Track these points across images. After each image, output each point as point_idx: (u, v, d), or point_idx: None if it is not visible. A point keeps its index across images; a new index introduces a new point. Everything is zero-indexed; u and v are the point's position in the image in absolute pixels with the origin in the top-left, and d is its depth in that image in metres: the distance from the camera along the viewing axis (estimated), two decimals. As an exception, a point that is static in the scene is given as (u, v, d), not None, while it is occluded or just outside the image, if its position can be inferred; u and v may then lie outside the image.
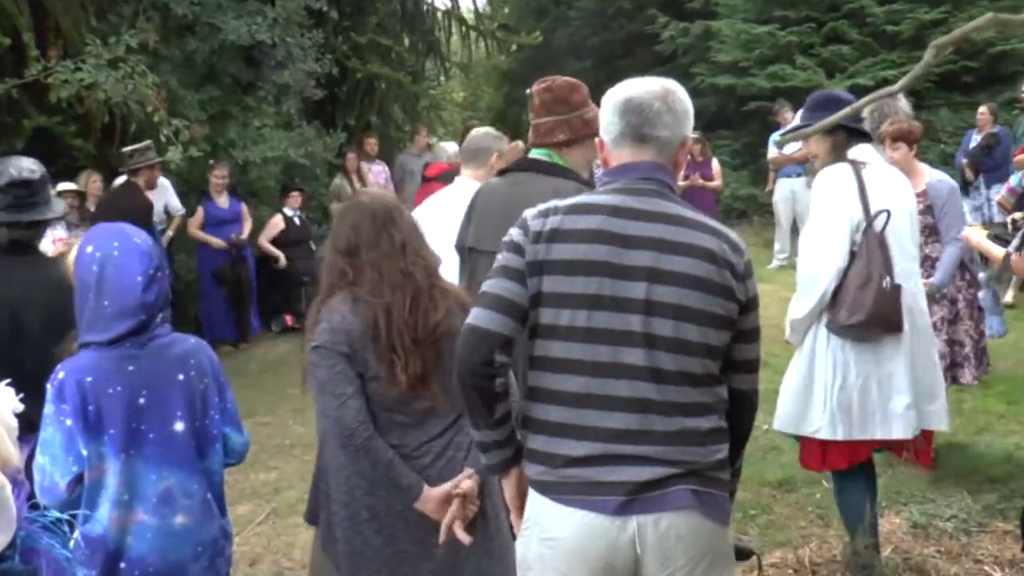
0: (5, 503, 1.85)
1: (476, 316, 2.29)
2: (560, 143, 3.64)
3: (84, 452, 2.66)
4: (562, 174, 3.60)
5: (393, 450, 2.78)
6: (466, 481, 2.85)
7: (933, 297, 4.93)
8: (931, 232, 5.16)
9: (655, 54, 17.45)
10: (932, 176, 5.29)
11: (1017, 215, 6.26)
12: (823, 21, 14.34)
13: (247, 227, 9.98)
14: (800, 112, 4.41)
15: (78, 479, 2.69)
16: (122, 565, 2.70)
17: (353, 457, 2.78)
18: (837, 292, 3.82)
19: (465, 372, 2.29)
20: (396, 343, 2.75)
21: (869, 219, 3.84)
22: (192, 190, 10.25)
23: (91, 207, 8.69)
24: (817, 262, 3.87)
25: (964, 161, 10.69)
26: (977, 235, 4.43)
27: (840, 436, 3.89)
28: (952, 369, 5.34)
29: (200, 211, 9.73)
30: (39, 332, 3.25)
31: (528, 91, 3.75)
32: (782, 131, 4.44)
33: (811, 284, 3.87)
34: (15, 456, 1.94)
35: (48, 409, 2.68)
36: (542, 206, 2.37)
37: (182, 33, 10.04)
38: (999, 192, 9.36)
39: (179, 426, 2.74)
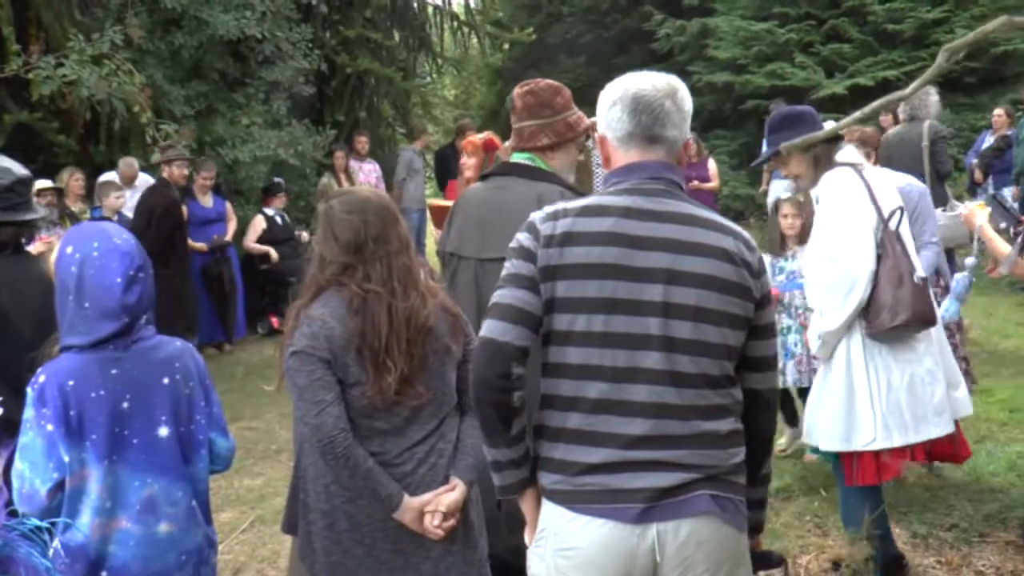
0: None
1: (490, 328, 2.26)
2: (544, 147, 3.65)
3: (66, 458, 2.64)
4: (545, 178, 3.61)
5: (374, 458, 2.77)
6: (448, 494, 2.83)
7: None
8: None
9: (650, 52, 17.46)
10: (900, 181, 5.07)
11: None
12: (823, 19, 14.36)
13: (231, 227, 9.96)
14: (765, 138, 4.37)
15: (59, 486, 2.66)
16: (103, 574, 2.68)
17: (332, 466, 2.76)
18: (870, 296, 3.79)
19: (481, 387, 2.27)
20: (392, 343, 2.74)
21: (885, 219, 3.83)
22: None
23: (72, 206, 8.67)
24: (850, 269, 3.79)
25: (974, 162, 10.75)
26: (981, 216, 4.34)
27: (897, 442, 3.84)
28: None
29: (184, 211, 9.62)
30: (29, 333, 3.24)
31: (509, 96, 3.76)
32: (763, 154, 4.36)
33: (844, 292, 3.79)
34: None
35: (28, 413, 2.65)
36: (549, 208, 2.35)
37: (168, 27, 10.02)
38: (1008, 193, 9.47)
39: (164, 431, 2.73)
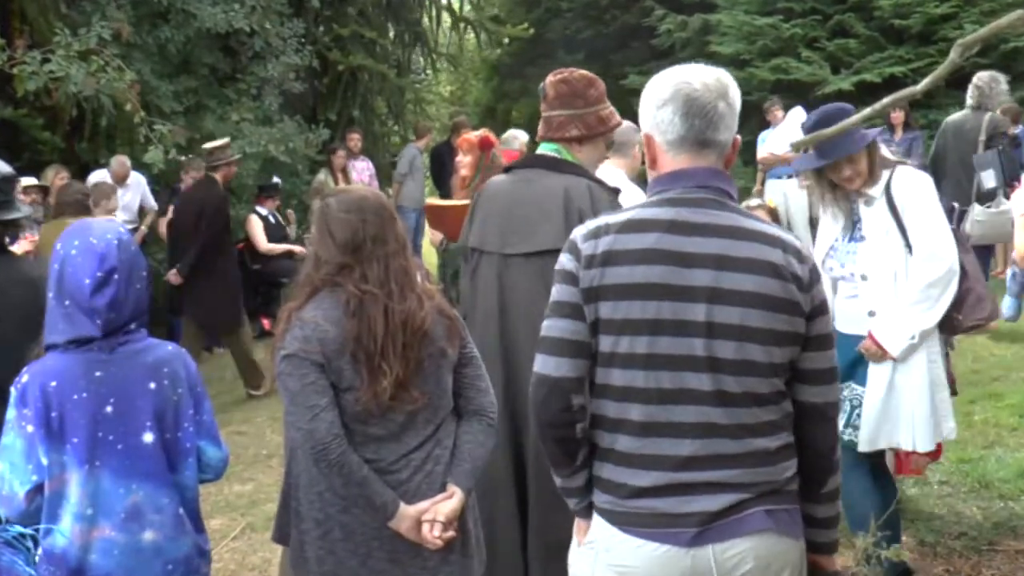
0: None
1: (541, 363, 2.27)
2: (572, 139, 3.62)
3: (44, 461, 2.63)
4: (572, 171, 3.58)
5: (368, 465, 2.75)
6: (446, 502, 2.82)
7: None
8: None
9: (651, 48, 17.45)
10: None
11: None
12: (829, 14, 14.35)
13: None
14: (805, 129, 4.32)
15: (38, 489, 2.66)
16: (86, 583, 2.66)
17: (326, 473, 2.74)
18: (964, 291, 3.95)
19: (544, 425, 2.28)
20: (388, 346, 2.72)
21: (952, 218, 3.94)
22: (163, 186, 10.21)
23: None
24: (952, 266, 3.89)
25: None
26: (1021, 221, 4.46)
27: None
28: None
29: (171, 209, 9.62)
30: (13, 334, 3.23)
31: (542, 84, 3.72)
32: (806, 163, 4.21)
33: (944, 289, 3.90)
34: None
35: (10, 413, 2.65)
36: (592, 224, 2.32)
37: (155, 21, 10.01)
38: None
39: (148, 437, 2.71)
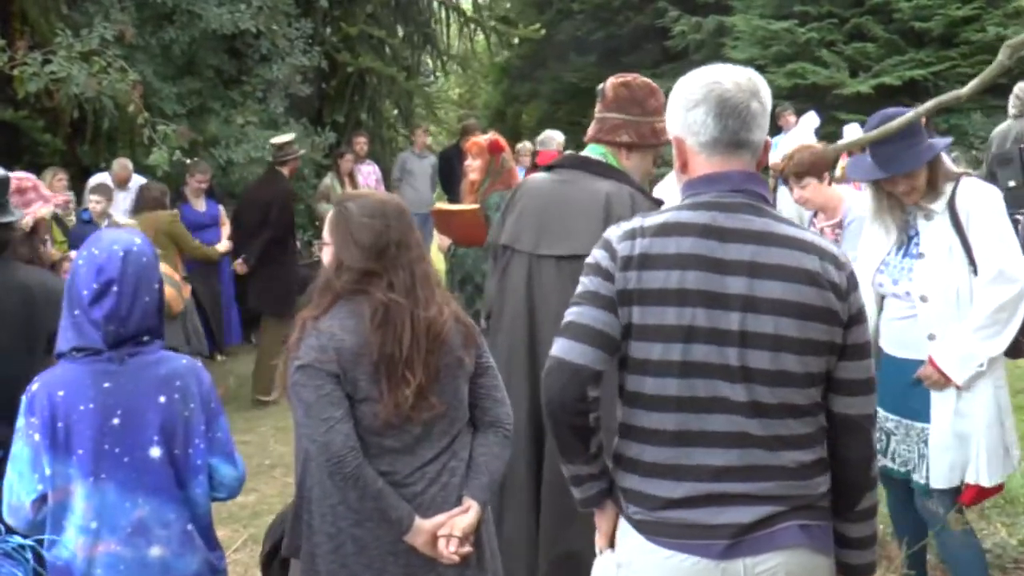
0: None
1: (564, 348, 2.25)
2: (622, 144, 3.60)
3: (48, 471, 2.63)
4: (617, 177, 3.55)
5: (383, 478, 2.73)
6: (462, 516, 2.80)
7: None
8: None
9: (664, 50, 17.47)
10: (855, 208, 4.82)
11: None
12: (846, 17, 14.34)
13: (225, 232, 9.94)
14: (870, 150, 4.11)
15: (43, 499, 2.66)
16: (90, 599, 2.66)
17: (341, 486, 2.73)
18: None
19: (558, 410, 2.26)
20: (413, 354, 2.71)
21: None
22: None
23: (59, 209, 8.68)
24: (1021, 289, 3.63)
25: None
26: None
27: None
28: None
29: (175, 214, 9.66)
30: (7, 342, 3.23)
31: (600, 85, 3.70)
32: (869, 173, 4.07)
33: (1010, 314, 3.65)
34: None
35: (20, 422, 2.67)
36: (627, 226, 2.31)
37: (159, 21, 10.03)
38: None
39: (155, 451, 2.69)
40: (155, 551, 2.70)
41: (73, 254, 3.75)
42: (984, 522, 4.96)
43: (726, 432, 2.20)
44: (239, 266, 8.77)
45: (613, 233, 2.32)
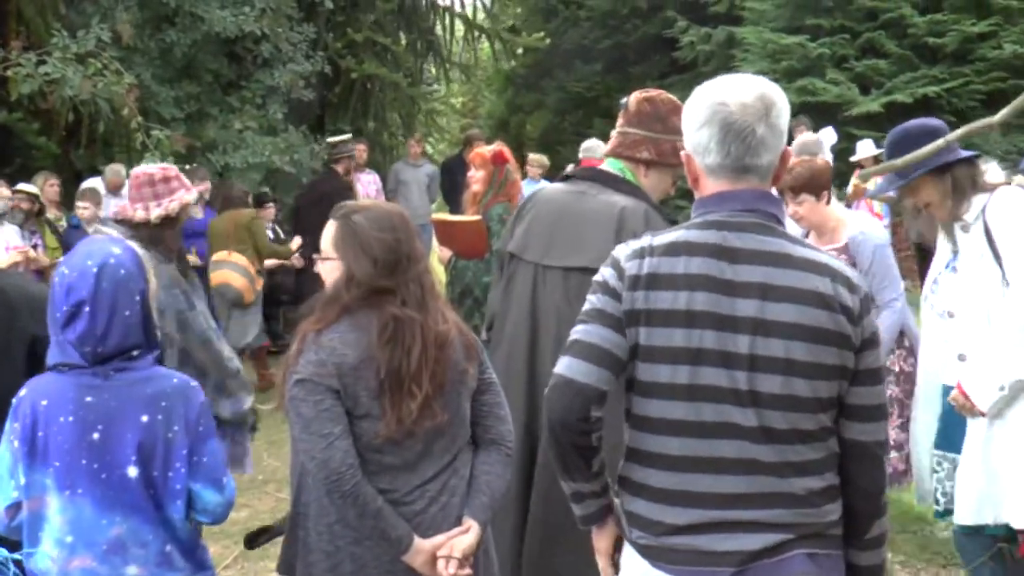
0: None
1: (569, 367, 2.25)
2: (641, 160, 3.59)
3: (23, 480, 2.63)
4: (632, 192, 3.54)
5: (382, 496, 2.72)
6: (462, 536, 2.79)
7: None
8: None
9: (672, 60, 17.49)
10: (854, 228, 4.74)
11: None
12: (858, 31, 14.33)
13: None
14: (886, 158, 4.03)
15: (18, 506, 2.66)
16: (67, 616, 2.64)
17: (339, 504, 2.71)
18: None
19: (560, 430, 2.26)
20: (422, 367, 2.70)
21: None
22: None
23: (49, 213, 8.69)
24: None
25: None
26: None
27: None
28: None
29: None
30: None
31: (623, 99, 3.70)
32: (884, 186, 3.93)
33: None
34: None
35: (7, 426, 2.67)
36: (635, 244, 2.31)
37: (160, 23, 10.05)
38: None
39: (132, 471, 2.65)
40: (132, 570, 2.67)
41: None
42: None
43: (734, 458, 2.19)
44: (296, 260, 9.21)
45: (622, 251, 2.32)
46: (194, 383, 2.80)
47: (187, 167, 9.46)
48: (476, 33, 14.74)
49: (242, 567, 5.24)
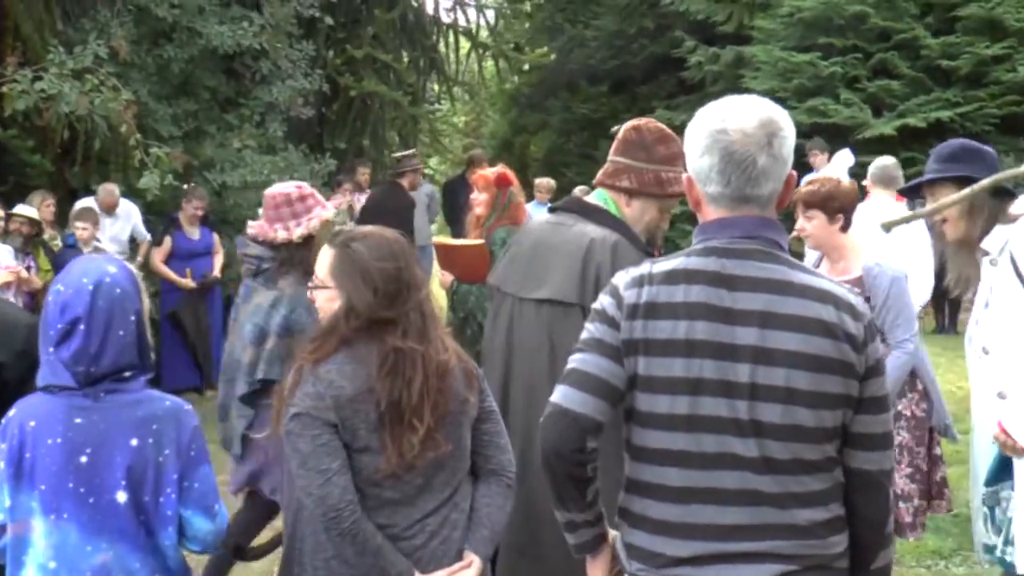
0: None
1: (565, 396, 2.26)
2: (622, 189, 3.59)
3: (7, 502, 2.62)
4: (606, 222, 3.54)
5: (382, 531, 2.71)
6: (464, 572, 2.79)
7: None
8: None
9: (680, 80, 17.55)
10: (869, 259, 4.61)
11: None
12: (871, 52, 14.38)
13: (219, 260, 9.94)
14: (929, 167, 4.03)
15: (2, 529, 2.66)
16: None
17: (337, 541, 2.70)
18: None
19: (555, 459, 2.27)
20: (424, 399, 2.69)
21: None
22: (157, 215, 10.20)
23: (45, 234, 8.69)
24: None
25: None
26: None
27: None
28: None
29: (167, 241, 9.59)
30: None
31: (615, 127, 3.71)
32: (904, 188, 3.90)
33: None
34: None
35: None
36: (635, 272, 2.31)
37: (157, 39, 10.07)
38: None
39: (121, 496, 2.63)
40: None
41: None
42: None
43: (736, 489, 2.19)
44: None
45: (621, 279, 2.32)
46: (187, 406, 2.79)
47: (185, 186, 9.49)
48: (480, 51, 14.78)
49: (234, 599, 5.20)
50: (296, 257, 4.31)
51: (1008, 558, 3.53)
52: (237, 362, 4.49)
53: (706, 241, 2.29)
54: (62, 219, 9.06)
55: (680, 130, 2.57)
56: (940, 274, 5.21)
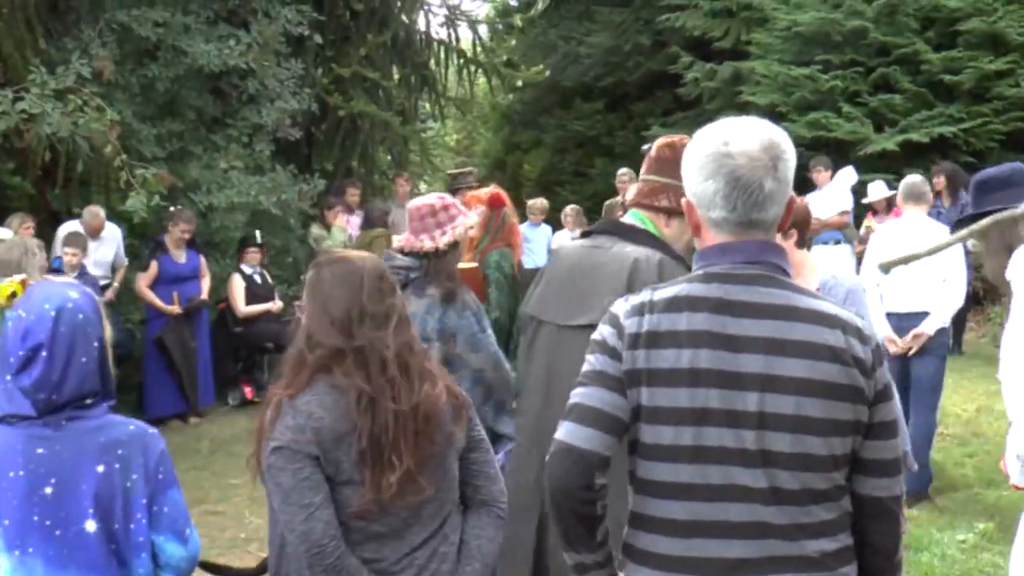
0: None
1: (570, 432, 2.25)
2: (661, 209, 3.57)
3: None
4: (648, 242, 3.52)
5: (369, 565, 2.70)
6: None
7: None
8: None
9: (676, 97, 17.63)
10: (826, 273, 4.68)
11: None
12: (871, 67, 14.43)
13: (206, 284, 9.94)
14: (972, 204, 4.05)
15: None
16: None
17: None
18: None
19: (562, 498, 2.26)
20: (399, 440, 2.67)
21: None
22: (141, 238, 10.19)
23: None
24: None
25: None
26: None
27: None
28: None
29: (153, 265, 9.61)
30: None
31: (645, 146, 3.70)
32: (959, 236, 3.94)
33: None
34: None
35: None
36: (635, 300, 2.31)
37: (141, 58, 10.08)
38: None
39: (90, 525, 2.60)
40: None
41: None
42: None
43: (743, 521, 2.18)
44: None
45: (620, 308, 2.32)
46: (152, 430, 2.76)
47: (171, 208, 9.48)
48: (472, 68, 14.81)
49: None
50: (442, 264, 4.51)
51: None
52: None
53: (707, 267, 2.28)
54: (44, 242, 9.04)
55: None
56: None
